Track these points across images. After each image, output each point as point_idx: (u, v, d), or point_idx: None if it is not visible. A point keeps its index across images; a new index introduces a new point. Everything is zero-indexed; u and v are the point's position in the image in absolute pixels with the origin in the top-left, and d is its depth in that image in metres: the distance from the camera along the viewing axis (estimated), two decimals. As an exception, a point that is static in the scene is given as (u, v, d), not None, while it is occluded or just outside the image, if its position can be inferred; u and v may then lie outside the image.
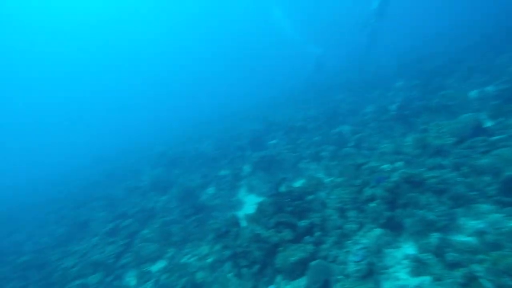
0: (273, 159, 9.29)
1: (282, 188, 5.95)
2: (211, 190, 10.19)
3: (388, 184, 4.73)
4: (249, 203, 8.78)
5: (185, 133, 22.01)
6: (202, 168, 12.29)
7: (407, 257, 4.17)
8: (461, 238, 4.11)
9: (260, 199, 8.67)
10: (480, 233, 3.91)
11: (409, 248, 4.39)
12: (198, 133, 19.67)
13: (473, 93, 9.17)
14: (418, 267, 3.89)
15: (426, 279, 3.75)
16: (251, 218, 5.69)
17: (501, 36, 15.84)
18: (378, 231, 4.59)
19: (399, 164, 5.39)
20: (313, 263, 4.34)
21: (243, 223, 6.72)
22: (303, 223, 5.09)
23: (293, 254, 4.63)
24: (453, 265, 3.63)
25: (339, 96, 14.78)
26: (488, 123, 6.59)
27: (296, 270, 4.54)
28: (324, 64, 21.27)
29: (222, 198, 9.03)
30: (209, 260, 6.14)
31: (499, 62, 11.35)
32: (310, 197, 5.45)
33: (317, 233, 4.94)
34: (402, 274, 4.04)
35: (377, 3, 14.61)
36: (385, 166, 6.40)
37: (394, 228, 4.62)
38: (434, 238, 4.02)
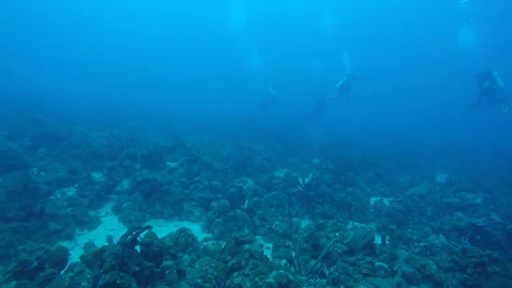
0: (159, 187, 7.83)
1: (142, 236, 4.55)
2: (71, 191, 8.11)
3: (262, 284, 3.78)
4: (106, 225, 7.04)
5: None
6: (78, 160, 10.05)
7: None
8: None
9: (121, 226, 7.08)
10: None
11: None
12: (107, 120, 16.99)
13: (372, 201, 9.36)
14: None
15: None
16: (84, 260, 4.10)
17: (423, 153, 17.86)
18: None
19: (282, 260, 4.55)
20: None
21: (74, 259, 5.01)
22: (140, 294, 3.74)
23: None
24: None
25: (259, 147, 14.28)
26: (378, 240, 6.37)
27: None
28: (270, 109, 21.06)
29: (78, 208, 7.08)
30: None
31: (401, 180, 12.22)
32: (168, 262, 4.16)
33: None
34: None
35: (339, 83, 15.84)
36: (267, 251, 5.56)
37: None
38: None
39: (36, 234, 5.50)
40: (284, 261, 4.45)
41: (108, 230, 6.82)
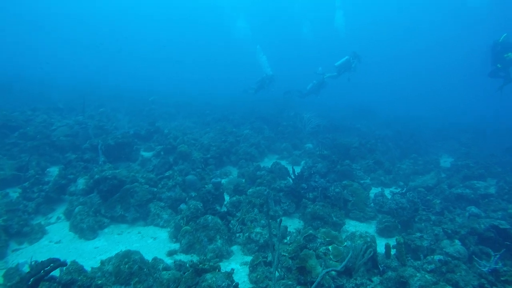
0: (120, 186, 6.57)
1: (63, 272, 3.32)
2: (16, 193, 6.84)
3: None
4: (53, 236, 5.81)
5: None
6: (34, 154, 8.70)
7: None
8: None
9: (71, 236, 5.84)
10: None
11: None
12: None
13: (372, 193, 8.19)
14: None
15: None
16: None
17: (423, 135, 16.53)
18: None
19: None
20: None
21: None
22: None
23: None
24: None
25: (246, 131, 12.96)
26: (380, 245, 5.21)
27: None
28: (267, 90, 18.21)
29: (15, 215, 5.85)
30: None
31: (403, 166, 11.02)
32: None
33: None
34: None
35: (340, 61, 13.87)
36: (243, 270, 4.40)
37: None
38: None
39: None
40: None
41: (53, 242, 5.60)
